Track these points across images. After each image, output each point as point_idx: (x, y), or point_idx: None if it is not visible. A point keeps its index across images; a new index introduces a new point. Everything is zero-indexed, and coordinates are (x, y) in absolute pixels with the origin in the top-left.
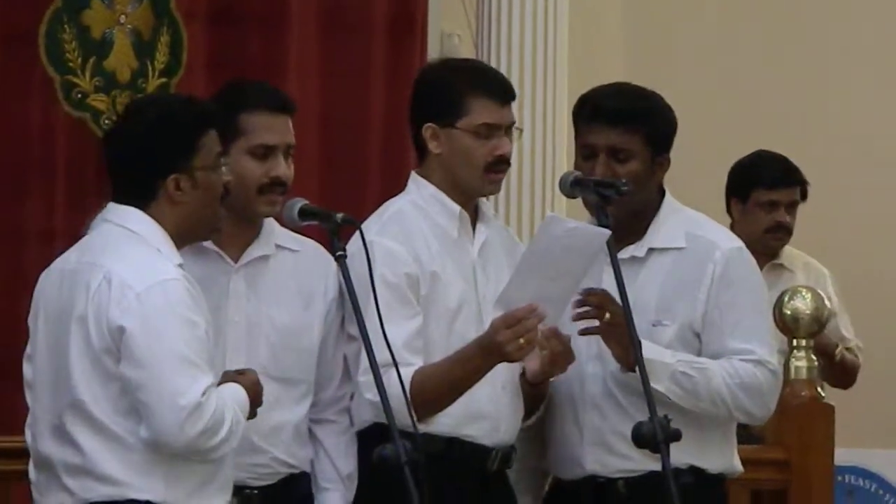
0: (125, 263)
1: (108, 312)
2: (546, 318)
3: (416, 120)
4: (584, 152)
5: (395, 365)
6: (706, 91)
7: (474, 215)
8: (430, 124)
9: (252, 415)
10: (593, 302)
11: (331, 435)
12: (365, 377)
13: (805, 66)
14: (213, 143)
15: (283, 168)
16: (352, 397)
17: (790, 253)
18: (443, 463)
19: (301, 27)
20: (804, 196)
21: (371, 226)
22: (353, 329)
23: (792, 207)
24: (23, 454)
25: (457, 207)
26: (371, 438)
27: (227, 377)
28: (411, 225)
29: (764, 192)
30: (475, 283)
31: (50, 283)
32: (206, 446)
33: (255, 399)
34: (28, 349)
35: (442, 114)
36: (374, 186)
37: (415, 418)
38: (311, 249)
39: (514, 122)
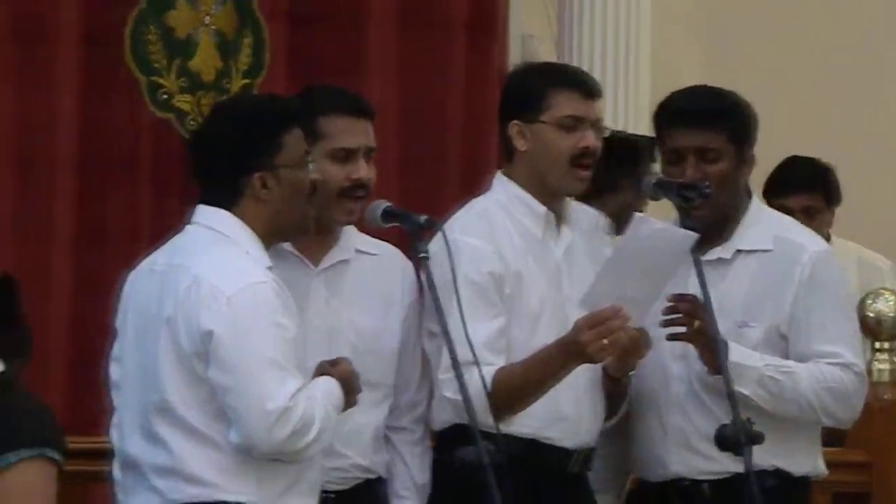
0: (214, 266)
1: (198, 317)
2: (630, 319)
3: (503, 120)
4: (671, 157)
5: (477, 364)
6: (787, 89)
7: (559, 217)
8: (515, 122)
9: (351, 403)
10: (683, 309)
11: (407, 444)
12: (445, 375)
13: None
14: (297, 140)
15: (365, 170)
16: (428, 404)
17: (844, 247)
18: (523, 465)
19: (381, 27)
20: (831, 200)
21: (454, 224)
22: (434, 325)
23: (808, 213)
24: (102, 455)
25: (542, 208)
26: (451, 440)
27: (322, 369)
28: (496, 224)
29: (774, 201)
30: (559, 284)
31: (138, 284)
32: (295, 448)
33: (350, 389)
34: (115, 350)
35: (527, 110)
36: (453, 188)
37: (496, 419)
38: (389, 253)
39: (600, 118)
